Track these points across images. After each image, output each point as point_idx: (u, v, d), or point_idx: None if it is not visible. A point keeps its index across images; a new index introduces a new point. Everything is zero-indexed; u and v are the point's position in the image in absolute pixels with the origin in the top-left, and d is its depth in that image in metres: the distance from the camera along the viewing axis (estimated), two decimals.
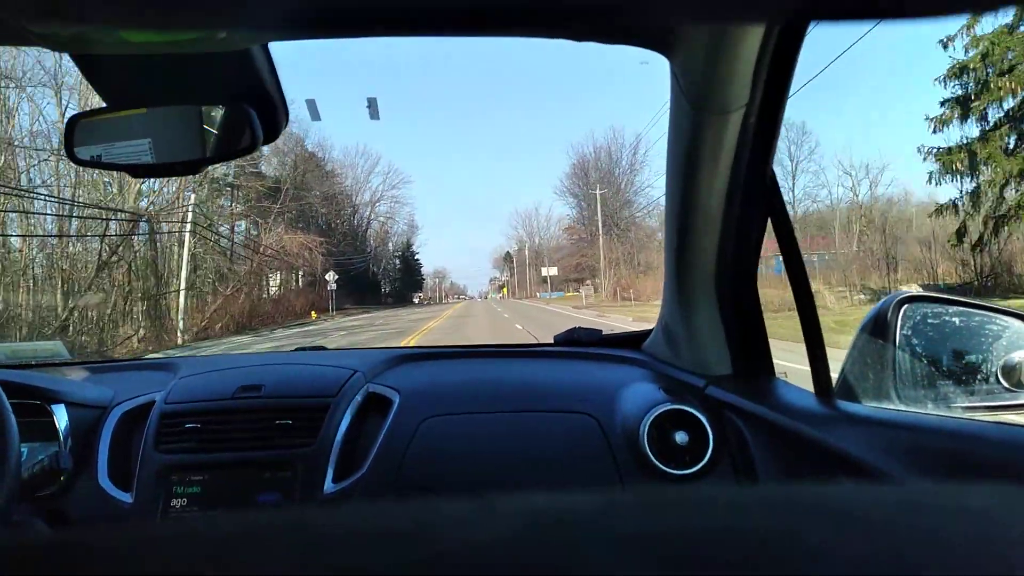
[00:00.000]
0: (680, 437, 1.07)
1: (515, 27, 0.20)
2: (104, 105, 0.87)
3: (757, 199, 1.01)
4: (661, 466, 1.06)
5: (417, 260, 74.86)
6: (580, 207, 57.72)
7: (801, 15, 0.21)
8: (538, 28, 0.20)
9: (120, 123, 0.88)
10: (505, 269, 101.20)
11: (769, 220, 1.02)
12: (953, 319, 0.99)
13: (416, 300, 76.98)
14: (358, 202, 56.14)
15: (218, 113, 0.86)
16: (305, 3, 0.19)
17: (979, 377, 0.94)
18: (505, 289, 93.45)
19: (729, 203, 1.02)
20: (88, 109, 0.90)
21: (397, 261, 69.21)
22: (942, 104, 17.98)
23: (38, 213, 16.87)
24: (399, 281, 69.51)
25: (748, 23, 0.71)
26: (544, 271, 61.16)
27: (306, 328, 22.52)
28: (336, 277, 33.99)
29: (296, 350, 1.60)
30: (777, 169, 1.01)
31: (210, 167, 0.91)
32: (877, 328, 0.96)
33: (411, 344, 11.29)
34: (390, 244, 67.09)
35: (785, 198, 1.03)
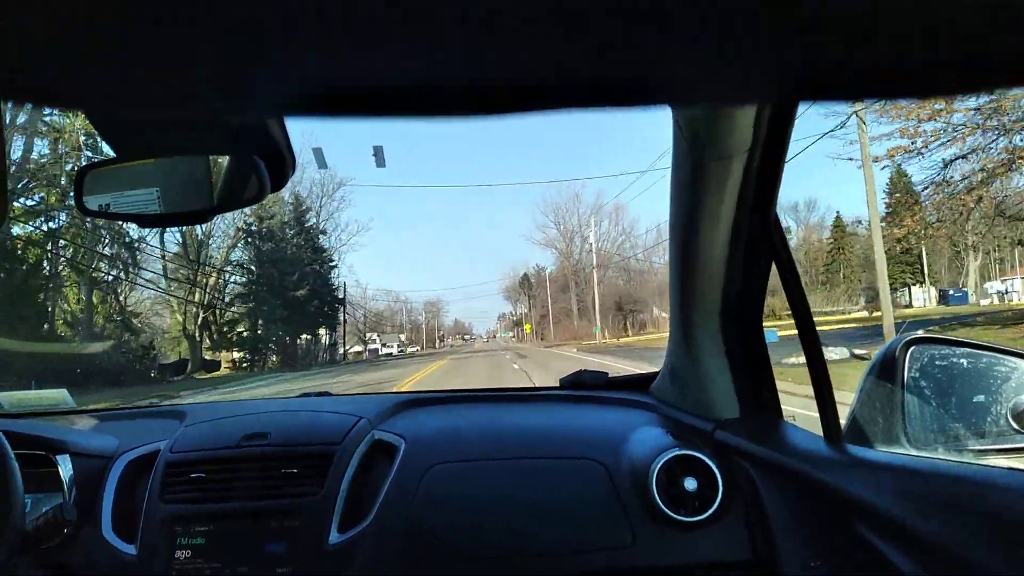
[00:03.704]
0: (689, 483, 1.05)
1: (527, 107, 0.20)
2: (113, 155, 0.88)
3: (761, 242, 1.02)
4: (671, 513, 1.04)
5: (326, 255, 35.82)
6: None
7: (800, 96, 0.22)
8: (553, 106, 0.20)
9: (129, 173, 0.89)
10: (522, 297, 72.46)
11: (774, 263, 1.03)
12: (961, 361, 0.98)
13: (353, 352, 45.63)
14: None
15: (226, 163, 0.87)
16: (328, 89, 0.20)
17: (989, 420, 0.93)
18: (529, 327, 61.04)
19: (733, 246, 1.03)
20: (97, 160, 0.91)
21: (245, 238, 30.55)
22: None
23: None
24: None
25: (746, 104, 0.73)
26: None
27: None
28: None
29: (301, 396, 1.60)
30: None
31: None
32: (885, 371, 0.96)
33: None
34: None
35: None
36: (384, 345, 62.28)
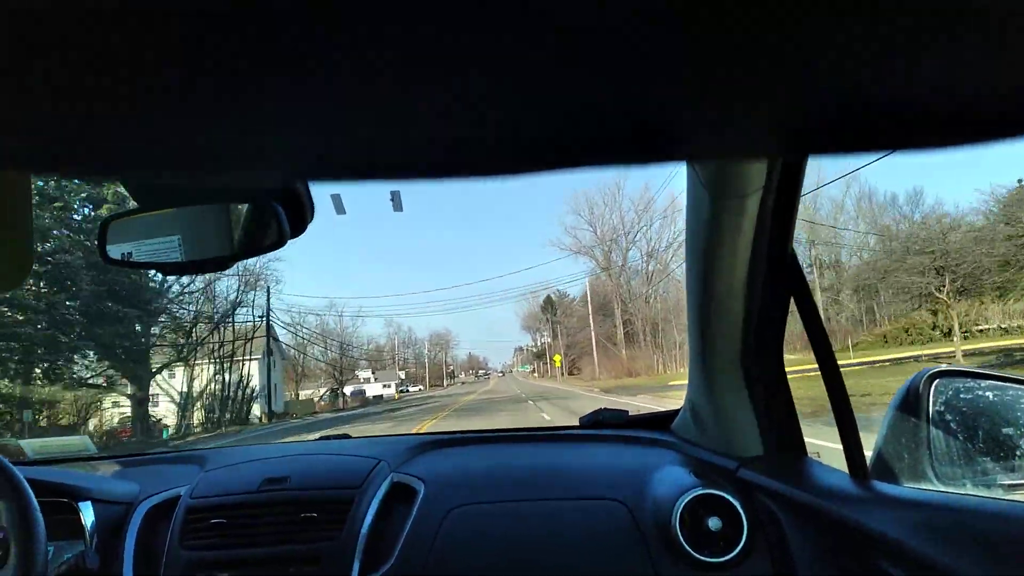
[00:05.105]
0: (713, 523, 1.04)
1: (544, 167, 0.21)
2: (136, 206, 0.90)
3: (778, 278, 1.01)
4: (695, 554, 1.02)
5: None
6: None
7: (811, 149, 0.22)
8: (571, 166, 0.21)
9: (150, 221, 0.90)
10: (544, 324, 61.08)
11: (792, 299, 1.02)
12: (986, 393, 0.97)
13: (329, 394, 34.92)
14: None
15: (246, 211, 0.88)
16: (350, 156, 0.20)
17: (1018, 453, 0.91)
18: (558, 358, 48.99)
19: (751, 284, 1.03)
20: (120, 211, 0.92)
21: None
22: None
23: None
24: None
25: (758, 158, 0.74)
26: None
27: None
28: None
29: (320, 438, 1.60)
30: None
31: None
32: (909, 405, 0.95)
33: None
34: None
35: None
36: (384, 385, 51.34)
